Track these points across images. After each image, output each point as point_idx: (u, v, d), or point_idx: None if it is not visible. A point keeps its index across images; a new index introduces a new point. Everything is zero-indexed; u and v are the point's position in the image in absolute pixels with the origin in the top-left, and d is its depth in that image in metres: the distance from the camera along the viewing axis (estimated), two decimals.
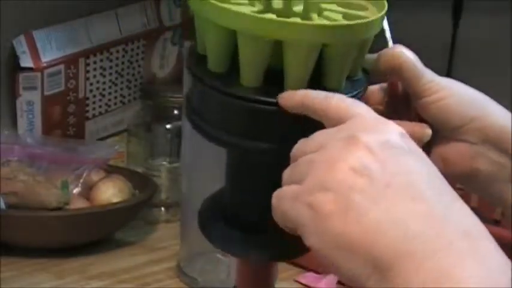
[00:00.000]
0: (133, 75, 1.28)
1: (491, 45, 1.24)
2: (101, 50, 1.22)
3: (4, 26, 1.14)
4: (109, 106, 1.27)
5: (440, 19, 1.30)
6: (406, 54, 0.55)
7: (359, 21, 0.50)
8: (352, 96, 0.49)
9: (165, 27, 1.29)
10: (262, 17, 0.48)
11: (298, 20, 0.49)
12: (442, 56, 1.30)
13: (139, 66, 1.28)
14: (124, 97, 1.28)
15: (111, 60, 1.24)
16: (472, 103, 0.55)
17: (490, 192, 0.57)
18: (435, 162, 0.46)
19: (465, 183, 0.57)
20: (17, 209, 0.96)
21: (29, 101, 1.16)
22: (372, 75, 0.55)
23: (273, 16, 0.49)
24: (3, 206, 0.95)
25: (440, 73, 1.39)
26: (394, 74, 0.55)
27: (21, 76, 1.14)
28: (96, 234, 1.00)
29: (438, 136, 0.55)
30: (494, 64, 1.23)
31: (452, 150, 0.55)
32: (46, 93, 1.16)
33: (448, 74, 1.30)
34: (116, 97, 1.27)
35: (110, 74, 1.25)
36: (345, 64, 0.50)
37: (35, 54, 1.14)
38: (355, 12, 0.52)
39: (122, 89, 1.28)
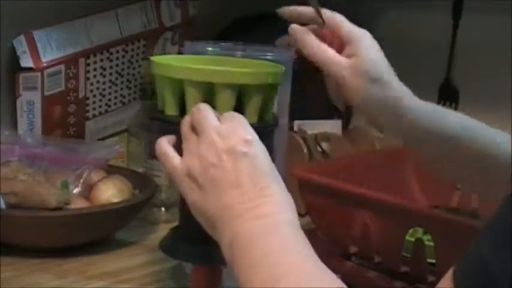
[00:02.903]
0: (133, 75, 1.28)
1: (491, 45, 1.24)
2: (101, 50, 1.22)
3: (4, 26, 1.14)
4: (109, 106, 1.27)
5: (440, 19, 1.30)
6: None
7: (260, 71, 0.76)
8: (260, 127, 0.70)
9: (165, 27, 1.29)
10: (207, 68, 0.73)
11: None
12: (442, 56, 1.30)
13: (139, 66, 1.28)
14: (124, 97, 1.28)
15: (111, 60, 1.24)
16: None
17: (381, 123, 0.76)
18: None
19: (365, 114, 0.76)
20: (17, 209, 0.96)
21: (29, 101, 1.16)
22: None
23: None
24: (3, 206, 0.95)
25: (440, 73, 1.38)
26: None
27: (21, 76, 1.14)
28: (96, 234, 1.00)
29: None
30: (494, 64, 1.23)
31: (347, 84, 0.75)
32: (46, 93, 1.16)
33: (448, 74, 1.30)
34: (116, 97, 1.27)
35: (110, 74, 1.25)
36: (257, 103, 0.72)
37: (35, 54, 1.14)
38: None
39: (122, 89, 1.28)
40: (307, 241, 0.58)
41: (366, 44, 0.75)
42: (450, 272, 0.45)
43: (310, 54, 0.76)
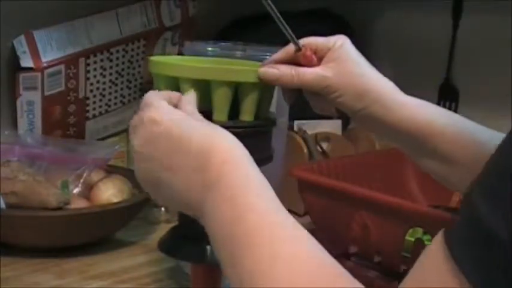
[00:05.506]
0: (133, 75, 1.28)
1: (491, 45, 1.24)
2: (101, 50, 1.22)
3: (4, 26, 1.14)
4: (109, 106, 1.27)
5: (440, 19, 1.30)
6: None
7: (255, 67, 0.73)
8: (256, 126, 0.72)
9: (165, 28, 1.29)
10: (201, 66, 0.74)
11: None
12: (442, 56, 1.30)
13: (139, 66, 1.28)
14: (124, 97, 1.28)
15: (111, 60, 1.24)
16: None
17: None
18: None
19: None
20: (17, 209, 0.96)
21: (29, 101, 1.16)
22: None
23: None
24: (3, 206, 0.95)
25: (440, 73, 1.39)
26: None
27: (22, 76, 1.14)
28: (96, 234, 1.00)
29: None
30: (494, 64, 1.23)
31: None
32: (46, 93, 1.16)
33: (448, 74, 1.30)
34: (116, 97, 1.27)
35: (110, 74, 1.25)
36: (253, 99, 0.72)
37: (35, 54, 1.14)
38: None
39: (122, 89, 1.28)
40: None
41: (340, 47, 0.73)
42: (438, 238, 0.44)
43: (290, 84, 0.73)
